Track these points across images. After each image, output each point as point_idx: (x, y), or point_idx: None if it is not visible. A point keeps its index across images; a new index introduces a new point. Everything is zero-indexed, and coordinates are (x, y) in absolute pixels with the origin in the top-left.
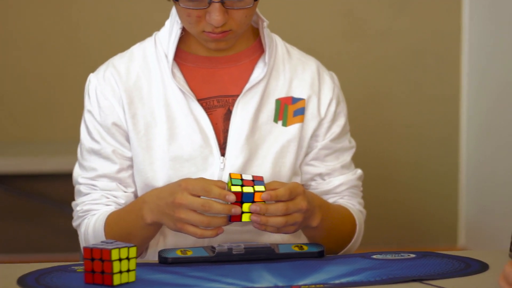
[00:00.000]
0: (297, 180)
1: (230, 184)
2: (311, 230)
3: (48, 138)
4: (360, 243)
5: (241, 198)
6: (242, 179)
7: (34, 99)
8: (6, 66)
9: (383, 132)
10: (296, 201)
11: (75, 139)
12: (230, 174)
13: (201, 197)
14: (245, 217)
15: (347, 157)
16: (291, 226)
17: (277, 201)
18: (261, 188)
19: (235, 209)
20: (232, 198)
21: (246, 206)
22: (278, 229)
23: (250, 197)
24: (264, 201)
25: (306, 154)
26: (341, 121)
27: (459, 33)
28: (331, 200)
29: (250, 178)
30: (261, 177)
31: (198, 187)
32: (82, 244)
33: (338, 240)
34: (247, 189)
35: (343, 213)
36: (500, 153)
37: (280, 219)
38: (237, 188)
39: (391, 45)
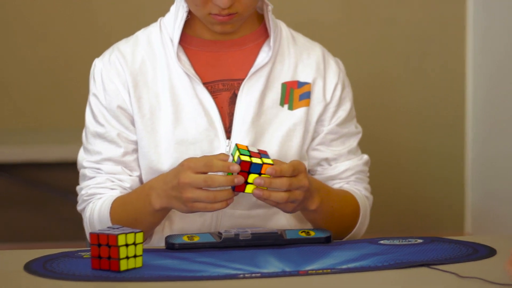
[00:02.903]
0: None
1: (237, 154)
2: (310, 213)
3: (53, 127)
4: (366, 230)
5: (249, 168)
6: (249, 151)
7: (38, 87)
8: (9, 54)
9: (388, 119)
10: (299, 177)
11: (80, 128)
12: (236, 145)
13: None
14: (249, 188)
15: (353, 142)
16: (291, 203)
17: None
18: (269, 160)
19: (238, 179)
20: (237, 168)
21: (251, 177)
22: (277, 204)
23: (258, 168)
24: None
25: (312, 139)
26: (347, 105)
27: (464, 19)
28: (337, 186)
29: (256, 150)
30: (266, 152)
31: (200, 163)
32: (87, 228)
33: (340, 224)
34: (256, 160)
35: (345, 197)
36: (506, 138)
37: (282, 194)
38: (246, 158)
39: (396, 32)
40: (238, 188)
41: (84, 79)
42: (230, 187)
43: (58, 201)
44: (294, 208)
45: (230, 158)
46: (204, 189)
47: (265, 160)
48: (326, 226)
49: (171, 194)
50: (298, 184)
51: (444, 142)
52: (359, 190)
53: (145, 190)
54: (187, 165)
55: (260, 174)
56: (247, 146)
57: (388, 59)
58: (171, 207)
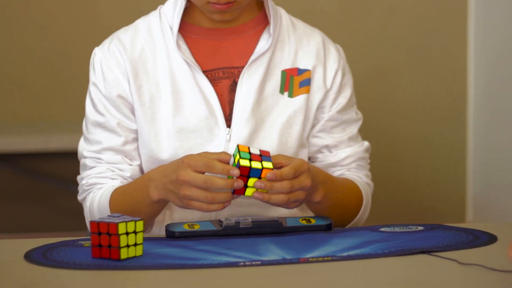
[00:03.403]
0: (305, 152)
1: (238, 157)
2: (314, 205)
3: (53, 117)
4: (367, 219)
5: (249, 173)
6: (250, 153)
7: (38, 78)
8: (11, 45)
9: (389, 110)
10: (301, 178)
11: (80, 117)
12: (238, 146)
13: (205, 173)
14: (249, 192)
15: (354, 129)
16: (293, 203)
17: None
18: (269, 165)
19: (238, 183)
20: (236, 173)
21: (251, 181)
22: (279, 205)
23: (257, 173)
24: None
25: (313, 126)
26: (347, 92)
27: (465, 10)
28: (338, 173)
29: (258, 152)
30: (268, 152)
31: (201, 163)
32: (87, 218)
33: (344, 213)
34: (256, 165)
35: (349, 187)
36: (507, 129)
37: (283, 197)
38: (245, 162)
39: (397, 23)
40: (238, 192)
41: (85, 69)
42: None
43: (59, 192)
44: (296, 205)
45: (231, 160)
46: (202, 189)
47: (265, 164)
48: (330, 215)
49: (169, 188)
50: (299, 185)
51: (446, 132)
52: (360, 177)
53: (144, 181)
54: (187, 162)
55: (260, 177)
56: (248, 148)
57: (389, 50)
58: (168, 200)
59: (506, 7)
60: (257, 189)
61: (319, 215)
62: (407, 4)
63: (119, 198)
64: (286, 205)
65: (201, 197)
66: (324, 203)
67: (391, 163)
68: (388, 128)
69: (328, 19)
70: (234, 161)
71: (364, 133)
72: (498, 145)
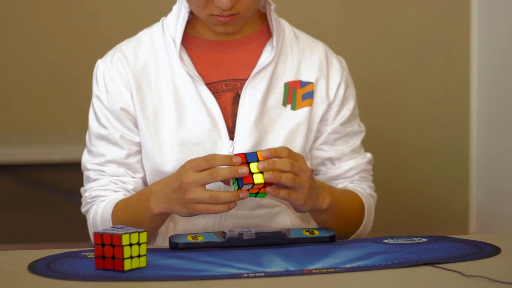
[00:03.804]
0: (307, 164)
1: None
2: (321, 214)
3: (57, 128)
4: (370, 229)
5: (246, 158)
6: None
7: (41, 89)
8: (13, 55)
9: (392, 118)
10: (300, 162)
11: (83, 128)
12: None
13: None
14: (257, 178)
15: (356, 141)
16: (300, 193)
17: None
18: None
19: (242, 170)
20: (239, 159)
21: (253, 166)
22: (290, 195)
23: (253, 156)
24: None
25: (316, 138)
26: (350, 104)
27: (468, 18)
28: (341, 185)
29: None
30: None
31: (201, 160)
32: (91, 230)
33: (347, 224)
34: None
35: (350, 197)
36: (511, 137)
37: (291, 175)
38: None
39: (400, 31)
40: (247, 180)
41: (88, 79)
42: (233, 190)
43: (62, 202)
44: (305, 200)
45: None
46: (207, 190)
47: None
48: (335, 226)
49: (172, 197)
50: (300, 166)
51: (449, 140)
52: (364, 188)
53: (145, 195)
54: (189, 165)
55: (258, 161)
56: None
57: (392, 58)
58: (171, 212)
59: (509, 16)
60: (263, 173)
61: (324, 226)
62: (410, 14)
63: (121, 211)
64: (296, 196)
65: (206, 197)
66: (331, 211)
67: (394, 171)
68: (391, 136)
69: (332, 29)
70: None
71: (366, 141)
72: (501, 153)
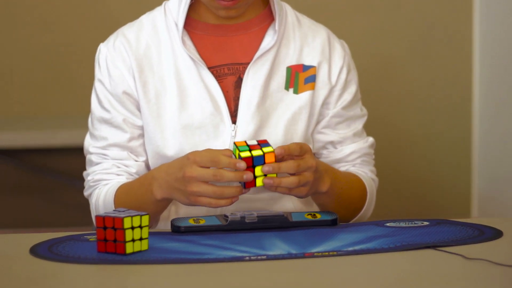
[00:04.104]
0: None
1: (237, 152)
2: (321, 196)
3: (59, 112)
4: (371, 214)
5: (252, 162)
6: (248, 145)
7: (43, 73)
8: (15, 41)
9: (393, 104)
10: (306, 158)
11: (86, 113)
12: (234, 143)
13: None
14: (259, 182)
15: (358, 125)
16: (303, 187)
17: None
18: (269, 149)
19: (247, 176)
20: (243, 165)
21: (258, 170)
22: (290, 190)
23: (261, 160)
24: (274, 161)
25: (318, 122)
26: (352, 88)
27: (471, 2)
28: (343, 169)
29: (255, 142)
30: (265, 140)
31: (206, 158)
32: (93, 213)
33: (349, 207)
34: (256, 152)
35: (352, 179)
36: None
37: (293, 179)
38: (246, 154)
39: (402, 16)
40: (249, 184)
41: (90, 64)
42: (238, 183)
43: (64, 187)
44: (307, 192)
45: (233, 156)
46: (211, 184)
47: (265, 150)
48: (336, 209)
49: (174, 186)
50: (305, 165)
51: (451, 126)
52: (365, 172)
53: (148, 179)
54: (193, 159)
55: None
56: (245, 142)
57: (394, 44)
58: (173, 198)
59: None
60: (265, 176)
61: (325, 209)
62: (412, 2)
63: (124, 195)
64: (298, 190)
65: (210, 192)
66: (331, 194)
67: (396, 157)
68: (392, 122)
69: (334, 13)
70: (235, 157)
71: (368, 127)
72: (504, 139)
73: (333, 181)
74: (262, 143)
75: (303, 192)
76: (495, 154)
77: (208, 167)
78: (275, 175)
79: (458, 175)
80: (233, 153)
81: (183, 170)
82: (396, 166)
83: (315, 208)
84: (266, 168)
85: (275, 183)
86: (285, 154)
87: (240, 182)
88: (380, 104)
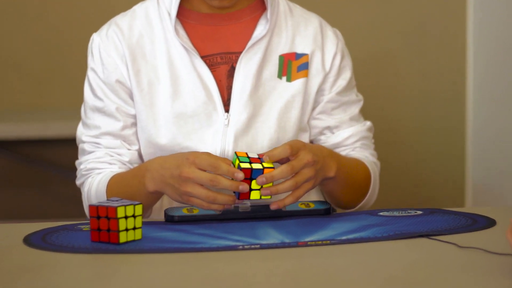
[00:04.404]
0: (305, 136)
1: (237, 162)
2: (328, 183)
3: (52, 104)
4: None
5: (251, 175)
6: (248, 157)
7: (37, 64)
8: (8, 32)
9: (388, 94)
10: (300, 156)
11: (79, 104)
12: (236, 153)
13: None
14: (254, 194)
15: (355, 109)
16: (306, 183)
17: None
18: (270, 164)
19: (243, 186)
20: (241, 176)
21: (254, 183)
22: (296, 198)
23: (259, 174)
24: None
25: (313, 109)
26: (347, 74)
27: (464, 0)
28: (343, 153)
29: (256, 156)
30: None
31: (206, 162)
32: (85, 203)
33: (355, 191)
34: (256, 166)
35: (356, 164)
36: (507, 112)
37: (289, 183)
38: (246, 165)
39: (394, 6)
40: (243, 196)
41: (83, 56)
42: (232, 194)
43: (57, 179)
44: (313, 185)
45: (232, 165)
46: (205, 188)
47: (266, 165)
48: (343, 194)
49: (168, 181)
50: (300, 163)
51: (445, 117)
52: (366, 156)
53: (141, 171)
54: (192, 160)
55: None
56: (246, 153)
57: (387, 35)
58: (164, 193)
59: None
60: (261, 187)
61: (333, 195)
62: None
63: (116, 185)
64: (300, 189)
65: (203, 196)
66: (338, 179)
67: (391, 148)
68: (387, 113)
69: (326, 4)
70: (234, 167)
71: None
72: (497, 130)
73: (339, 165)
74: (263, 158)
75: (308, 187)
76: (489, 145)
77: (206, 171)
78: (271, 184)
79: (453, 165)
80: (233, 162)
81: (180, 169)
82: (391, 157)
83: (309, 198)
84: (260, 179)
85: (272, 192)
86: (276, 159)
87: (234, 192)
88: (374, 94)
